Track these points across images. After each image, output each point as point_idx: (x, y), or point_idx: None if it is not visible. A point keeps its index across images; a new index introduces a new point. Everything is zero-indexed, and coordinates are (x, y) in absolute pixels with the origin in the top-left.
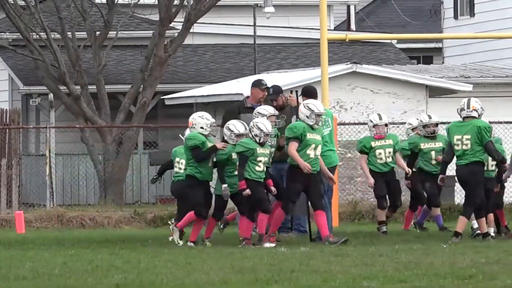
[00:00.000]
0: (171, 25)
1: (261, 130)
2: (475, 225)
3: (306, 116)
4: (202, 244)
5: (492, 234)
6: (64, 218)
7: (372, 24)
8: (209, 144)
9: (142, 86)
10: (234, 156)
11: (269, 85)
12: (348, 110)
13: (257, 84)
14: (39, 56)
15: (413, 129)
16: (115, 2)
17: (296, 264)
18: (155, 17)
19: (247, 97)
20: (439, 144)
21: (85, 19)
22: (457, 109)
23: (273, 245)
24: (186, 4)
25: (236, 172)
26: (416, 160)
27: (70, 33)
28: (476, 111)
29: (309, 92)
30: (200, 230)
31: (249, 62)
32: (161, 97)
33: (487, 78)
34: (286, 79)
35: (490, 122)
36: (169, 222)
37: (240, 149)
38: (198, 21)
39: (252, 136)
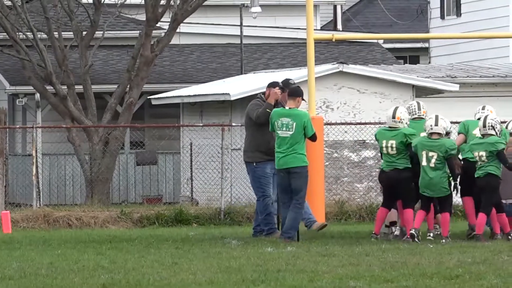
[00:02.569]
0: (157, 25)
1: None
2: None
3: None
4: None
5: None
6: (50, 218)
7: (358, 24)
8: None
9: (128, 86)
10: None
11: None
12: (335, 110)
13: (272, 84)
14: (25, 56)
15: None
16: (102, 2)
17: (282, 264)
18: (142, 17)
19: (263, 93)
20: None
21: (71, 19)
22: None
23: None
24: (172, 4)
25: None
26: None
27: (56, 33)
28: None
29: (294, 92)
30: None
31: (236, 62)
32: (148, 97)
33: (474, 78)
34: (272, 79)
35: None
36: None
37: None
38: (184, 21)
39: None
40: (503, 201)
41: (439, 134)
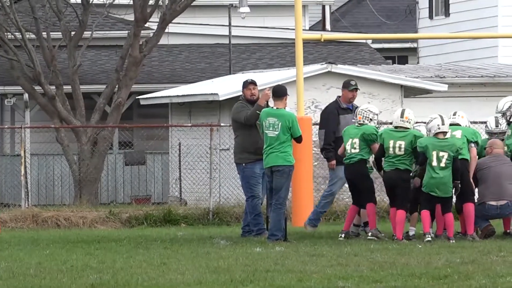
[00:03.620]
0: (146, 25)
1: None
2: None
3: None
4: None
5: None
6: (39, 218)
7: (347, 24)
8: None
9: (117, 86)
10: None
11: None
12: None
13: (345, 85)
14: (14, 56)
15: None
16: (90, 2)
17: (271, 264)
18: (130, 17)
19: (339, 97)
20: None
21: (60, 19)
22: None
23: None
24: (161, 4)
25: None
26: None
27: (45, 33)
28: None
29: (279, 92)
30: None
31: (224, 62)
32: (136, 97)
33: (462, 78)
34: (261, 79)
35: None
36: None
37: None
38: (173, 21)
39: None
40: (494, 203)
41: (445, 133)
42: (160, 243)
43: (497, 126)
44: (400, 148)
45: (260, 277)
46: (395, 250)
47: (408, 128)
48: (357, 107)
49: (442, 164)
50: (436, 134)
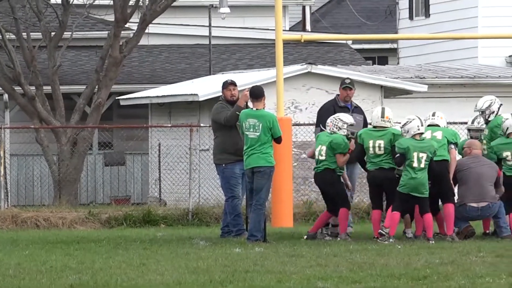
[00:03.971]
0: (126, 25)
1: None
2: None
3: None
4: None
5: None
6: (18, 218)
7: (327, 24)
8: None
9: (97, 87)
10: None
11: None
12: (303, 111)
13: (340, 83)
14: None
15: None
16: (70, 2)
17: (250, 264)
18: (110, 17)
19: (338, 95)
20: None
21: (40, 20)
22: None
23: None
24: (141, 4)
25: None
26: None
27: (25, 33)
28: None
29: (257, 93)
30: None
31: (204, 63)
32: (116, 98)
33: (442, 79)
34: (241, 79)
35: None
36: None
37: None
38: (153, 22)
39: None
40: (475, 205)
41: (422, 134)
42: (140, 243)
43: (472, 122)
44: (379, 147)
45: (239, 278)
46: (374, 251)
47: (387, 127)
48: (356, 107)
49: (422, 165)
50: (415, 135)
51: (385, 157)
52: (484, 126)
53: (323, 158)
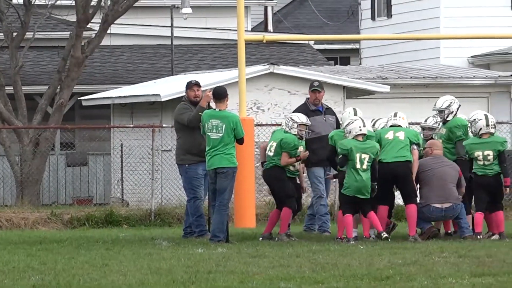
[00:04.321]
0: (88, 26)
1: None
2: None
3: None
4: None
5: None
6: None
7: (289, 25)
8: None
9: (59, 87)
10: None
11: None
12: (266, 111)
13: (310, 86)
14: None
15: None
16: (32, 3)
17: (213, 265)
18: (72, 18)
19: (308, 98)
20: None
21: (1, 20)
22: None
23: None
24: (103, 5)
25: None
26: None
27: None
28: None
29: (220, 94)
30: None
31: (167, 63)
32: (78, 98)
33: (405, 79)
34: (203, 80)
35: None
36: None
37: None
38: (115, 22)
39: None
40: (439, 206)
41: (364, 135)
42: (102, 244)
43: (425, 121)
44: None
45: (202, 278)
46: (337, 252)
47: None
48: (327, 108)
49: (364, 166)
50: (357, 136)
51: None
52: (438, 125)
53: (272, 154)
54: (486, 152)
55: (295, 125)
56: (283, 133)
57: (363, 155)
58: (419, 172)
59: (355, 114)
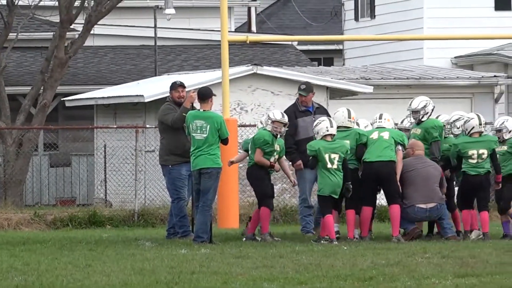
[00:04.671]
0: (71, 26)
1: None
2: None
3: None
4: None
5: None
6: None
7: (273, 26)
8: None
9: (42, 88)
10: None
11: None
12: (249, 112)
13: (298, 89)
14: None
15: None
16: (15, 3)
17: (196, 266)
18: (56, 18)
19: (298, 99)
20: None
21: None
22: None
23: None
24: (86, 6)
25: None
26: None
27: None
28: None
29: (204, 95)
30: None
31: (150, 64)
32: (62, 99)
33: (388, 80)
34: (187, 80)
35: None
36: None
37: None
38: (98, 23)
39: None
40: (423, 206)
41: (332, 135)
42: (85, 245)
43: (402, 122)
44: None
45: (185, 279)
46: (320, 252)
47: (351, 127)
48: (318, 107)
49: (335, 166)
50: (325, 136)
51: (351, 158)
52: (411, 125)
53: (251, 153)
54: (481, 151)
55: (269, 121)
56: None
57: (333, 155)
58: (403, 172)
59: (349, 115)
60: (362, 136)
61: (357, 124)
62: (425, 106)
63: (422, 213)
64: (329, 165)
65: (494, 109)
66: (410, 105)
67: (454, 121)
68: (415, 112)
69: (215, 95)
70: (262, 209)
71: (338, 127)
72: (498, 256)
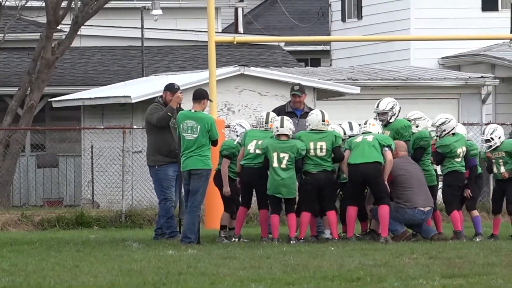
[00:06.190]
0: (58, 27)
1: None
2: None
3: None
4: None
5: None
6: None
7: (260, 26)
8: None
9: (29, 89)
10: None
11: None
12: (236, 113)
13: (291, 89)
14: None
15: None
16: (2, 4)
17: (184, 266)
18: (43, 19)
19: (289, 101)
20: None
21: None
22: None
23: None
24: (73, 6)
25: None
26: None
27: None
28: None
29: (199, 95)
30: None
31: (137, 65)
32: (49, 100)
33: (375, 81)
34: (174, 81)
35: None
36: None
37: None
38: (85, 24)
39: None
40: (422, 209)
41: (286, 135)
42: (73, 245)
43: (351, 128)
44: (321, 149)
45: (172, 280)
46: (307, 253)
47: (327, 130)
48: (306, 112)
49: (283, 166)
50: (278, 136)
51: (327, 159)
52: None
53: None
54: (464, 148)
55: (242, 129)
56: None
57: (282, 154)
58: (397, 174)
59: (323, 118)
60: (338, 138)
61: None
62: (392, 108)
63: (420, 216)
64: (275, 164)
65: (481, 110)
66: (378, 106)
67: (440, 124)
68: (383, 113)
69: (211, 101)
70: (223, 213)
71: (312, 129)
72: (485, 256)
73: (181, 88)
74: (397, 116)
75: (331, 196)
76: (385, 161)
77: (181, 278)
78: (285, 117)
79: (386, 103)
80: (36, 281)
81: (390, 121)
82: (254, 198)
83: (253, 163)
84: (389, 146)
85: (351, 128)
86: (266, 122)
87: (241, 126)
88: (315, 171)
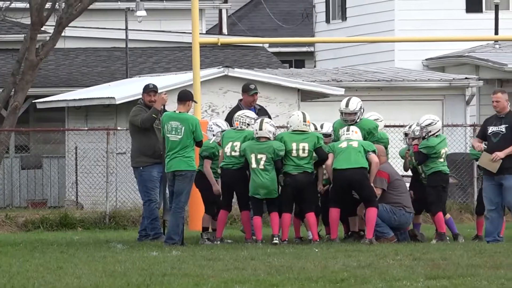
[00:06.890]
0: (42, 28)
1: None
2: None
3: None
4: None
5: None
6: None
7: (244, 28)
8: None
9: (13, 90)
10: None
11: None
12: (220, 114)
13: (245, 89)
14: None
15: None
16: None
17: (168, 268)
18: (27, 20)
19: (240, 100)
20: None
21: None
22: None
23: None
24: (57, 8)
25: None
26: None
27: None
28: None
29: (183, 96)
30: None
31: (121, 66)
32: (33, 101)
33: (359, 82)
34: (158, 83)
35: None
36: None
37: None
38: (69, 25)
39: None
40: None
41: (266, 138)
42: (57, 247)
43: (322, 128)
44: (304, 150)
45: (156, 281)
46: (292, 254)
47: (308, 131)
48: (260, 109)
49: (261, 166)
50: (258, 138)
51: (309, 161)
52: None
53: (237, 153)
54: (446, 149)
55: (253, 121)
56: (236, 131)
57: (259, 155)
58: (393, 179)
59: (304, 119)
60: (320, 139)
61: (321, 127)
62: (361, 107)
63: (410, 220)
64: (253, 165)
65: (466, 111)
66: (348, 106)
67: (426, 125)
68: (354, 113)
69: (195, 102)
70: (204, 215)
71: (294, 130)
72: (469, 258)
73: (165, 90)
74: (361, 116)
75: (311, 198)
76: (371, 164)
77: (165, 280)
78: (265, 119)
79: (356, 102)
80: (20, 282)
81: (357, 121)
82: (234, 199)
83: (231, 165)
84: (374, 152)
85: (321, 127)
86: (260, 129)
87: (218, 126)
88: (295, 173)
